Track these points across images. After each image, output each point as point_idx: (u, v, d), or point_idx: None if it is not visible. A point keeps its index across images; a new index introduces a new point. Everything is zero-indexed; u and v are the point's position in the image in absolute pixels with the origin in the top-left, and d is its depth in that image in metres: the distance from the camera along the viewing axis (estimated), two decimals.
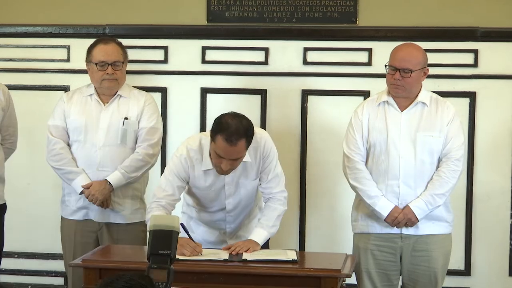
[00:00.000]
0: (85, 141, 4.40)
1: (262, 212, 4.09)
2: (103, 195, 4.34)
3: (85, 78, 4.55)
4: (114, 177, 4.34)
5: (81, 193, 4.36)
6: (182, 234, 3.89)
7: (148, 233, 2.72)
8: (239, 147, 3.81)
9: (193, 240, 3.85)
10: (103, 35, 5.05)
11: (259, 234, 3.95)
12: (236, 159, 3.86)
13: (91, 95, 4.45)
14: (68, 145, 4.44)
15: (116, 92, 4.43)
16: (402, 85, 4.04)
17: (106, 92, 4.43)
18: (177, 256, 3.73)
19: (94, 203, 4.35)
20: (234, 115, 3.87)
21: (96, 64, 4.36)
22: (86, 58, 4.43)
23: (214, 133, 3.84)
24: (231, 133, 3.78)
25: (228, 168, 3.88)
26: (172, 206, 3.98)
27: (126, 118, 4.40)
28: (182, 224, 3.95)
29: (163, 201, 3.92)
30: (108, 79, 4.37)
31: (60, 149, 4.40)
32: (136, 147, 4.41)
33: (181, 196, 4.07)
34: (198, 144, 4.00)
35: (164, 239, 2.65)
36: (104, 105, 4.42)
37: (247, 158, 3.94)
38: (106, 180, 4.34)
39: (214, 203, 4.07)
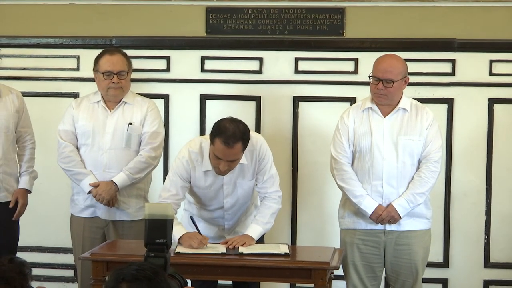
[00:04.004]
0: (92, 144, 4.40)
1: (258, 209, 4.11)
2: (110, 194, 4.34)
3: (93, 86, 4.55)
4: (120, 178, 4.35)
5: (89, 192, 4.37)
6: (191, 227, 3.94)
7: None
8: (236, 149, 3.84)
9: (200, 233, 3.89)
10: (110, 46, 5.04)
11: (254, 230, 3.98)
12: (233, 160, 3.89)
13: (98, 101, 4.45)
14: (77, 148, 4.44)
15: (121, 99, 4.43)
16: (385, 94, 4.06)
17: (112, 99, 4.43)
18: (178, 249, 3.81)
19: (101, 202, 4.35)
20: (232, 120, 3.90)
21: (102, 73, 4.36)
22: (93, 68, 4.44)
23: (213, 136, 3.87)
24: (229, 136, 3.80)
25: (226, 169, 3.90)
26: (177, 205, 4.00)
27: (130, 123, 4.40)
28: (191, 217, 4.01)
29: (168, 201, 3.92)
30: (114, 88, 4.38)
31: (70, 152, 4.40)
32: (139, 150, 4.41)
33: (185, 195, 4.09)
34: (199, 147, 4.02)
35: (160, 228, 2.62)
36: (110, 111, 4.43)
37: (244, 160, 3.97)
38: (112, 180, 4.35)
39: (213, 201, 4.09)
